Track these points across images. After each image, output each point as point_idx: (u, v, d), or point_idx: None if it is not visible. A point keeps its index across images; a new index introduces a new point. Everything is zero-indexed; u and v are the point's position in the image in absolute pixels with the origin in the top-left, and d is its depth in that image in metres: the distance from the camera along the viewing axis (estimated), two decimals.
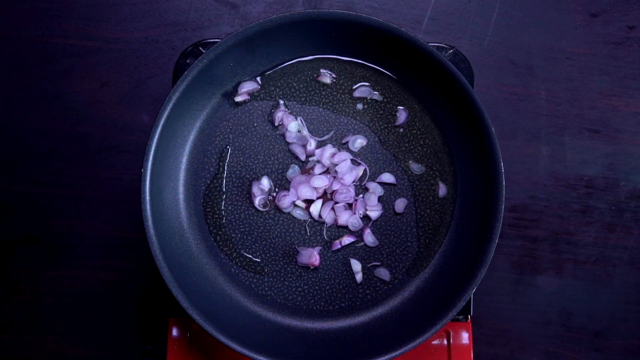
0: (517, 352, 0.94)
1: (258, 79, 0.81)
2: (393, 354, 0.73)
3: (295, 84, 0.81)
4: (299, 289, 0.80)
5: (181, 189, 0.81)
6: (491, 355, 0.94)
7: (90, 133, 0.93)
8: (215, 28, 0.94)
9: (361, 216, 0.80)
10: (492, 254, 0.73)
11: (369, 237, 0.80)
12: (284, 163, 0.81)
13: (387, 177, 0.80)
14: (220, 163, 0.81)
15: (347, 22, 0.75)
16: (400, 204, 0.80)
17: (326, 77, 0.81)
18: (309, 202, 0.80)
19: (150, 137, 0.74)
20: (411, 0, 0.95)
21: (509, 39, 0.95)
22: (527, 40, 0.94)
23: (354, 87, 0.81)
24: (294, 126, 0.80)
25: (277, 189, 0.81)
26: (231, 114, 0.81)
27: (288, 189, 0.79)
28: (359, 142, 0.80)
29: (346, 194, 0.79)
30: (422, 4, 0.94)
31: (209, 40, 0.80)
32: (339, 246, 0.79)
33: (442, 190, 0.81)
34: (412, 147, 0.81)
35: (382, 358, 0.73)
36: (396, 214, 0.81)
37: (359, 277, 0.80)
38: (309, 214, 0.80)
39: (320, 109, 0.81)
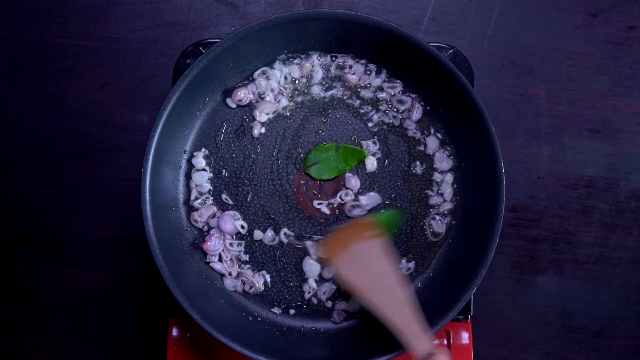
0: (517, 352, 0.94)
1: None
2: (393, 354, 0.73)
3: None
4: (299, 290, 0.80)
5: (181, 188, 0.81)
6: (491, 355, 0.94)
7: (90, 133, 0.93)
8: (215, 28, 0.94)
9: None
10: (492, 254, 0.73)
11: None
12: (283, 163, 0.81)
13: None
14: (220, 163, 0.81)
15: (347, 22, 0.75)
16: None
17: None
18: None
19: (150, 137, 0.74)
20: (411, 0, 0.94)
21: (509, 39, 0.94)
22: (527, 40, 0.94)
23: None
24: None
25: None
26: (231, 114, 0.81)
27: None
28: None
29: None
30: (422, 4, 0.94)
31: (209, 40, 0.80)
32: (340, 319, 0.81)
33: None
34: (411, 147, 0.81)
35: (382, 358, 0.73)
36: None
37: None
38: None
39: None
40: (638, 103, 0.95)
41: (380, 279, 0.72)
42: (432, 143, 0.81)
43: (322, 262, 0.79)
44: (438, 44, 0.80)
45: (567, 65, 0.94)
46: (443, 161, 0.80)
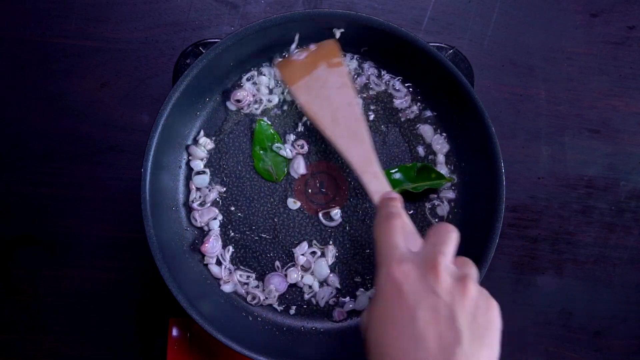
0: (517, 352, 0.94)
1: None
2: None
3: None
4: (299, 290, 0.80)
5: (181, 188, 0.81)
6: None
7: (90, 133, 0.93)
8: (215, 28, 0.94)
9: None
10: (492, 254, 0.73)
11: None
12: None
13: None
14: (220, 163, 0.81)
15: (348, 22, 0.75)
16: None
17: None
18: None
19: (150, 137, 0.74)
20: (411, 0, 0.94)
21: (509, 39, 0.94)
22: (527, 40, 0.94)
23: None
24: None
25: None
26: (231, 114, 0.81)
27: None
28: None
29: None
30: (422, 4, 0.94)
31: (209, 40, 0.80)
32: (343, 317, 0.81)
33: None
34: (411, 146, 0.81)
35: None
36: None
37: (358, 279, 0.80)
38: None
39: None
40: (638, 103, 0.95)
41: (340, 111, 0.68)
42: (428, 131, 0.81)
43: (281, 81, 0.74)
44: (438, 44, 0.80)
45: (567, 65, 0.94)
46: (439, 144, 0.81)
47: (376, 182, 0.66)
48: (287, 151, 0.79)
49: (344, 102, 0.69)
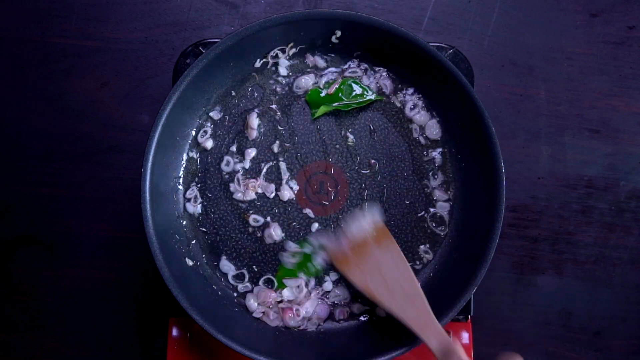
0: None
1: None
2: (393, 354, 0.73)
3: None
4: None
5: (181, 188, 0.81)
6: (491, 355, 0.94)
7: (90, 133, 0.93)
8: (215, 28, 0.94)
9: None
10: (492, 254, 0.73)
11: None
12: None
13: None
14: (220, 163, 0.81)
15: (348, 22, 0.75)
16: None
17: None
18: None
19: (150, 137, 0.74)
20: (411, 0, 0.95)
21: (509, 39, 0.95)
22: (527, 40, 0.94)
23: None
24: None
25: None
26: (231, 114, 0.81)
27: None
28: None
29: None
30: (422, 4, 0.95)
31: (209, 40, 0.80)
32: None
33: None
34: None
35: (382, 358, 0.73)
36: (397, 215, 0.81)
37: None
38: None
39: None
40: (638, 103, 0.95)
41: (395, 282, 0.73)
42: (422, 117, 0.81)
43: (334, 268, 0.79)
44: (438, 44, 0.80)
45: (567, 65, 0.94)
46: (434, 129, 0.81)
47: (436, 339, 0.69)
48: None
49: (398, 275, 0.73)
